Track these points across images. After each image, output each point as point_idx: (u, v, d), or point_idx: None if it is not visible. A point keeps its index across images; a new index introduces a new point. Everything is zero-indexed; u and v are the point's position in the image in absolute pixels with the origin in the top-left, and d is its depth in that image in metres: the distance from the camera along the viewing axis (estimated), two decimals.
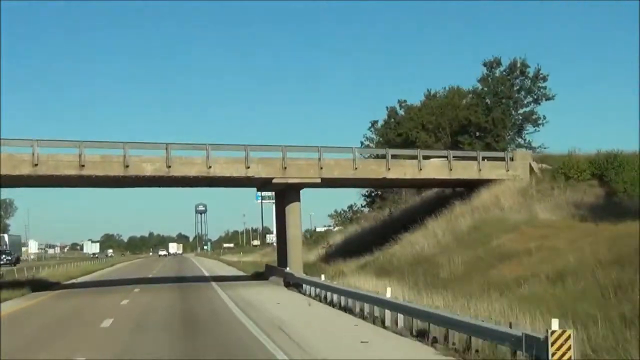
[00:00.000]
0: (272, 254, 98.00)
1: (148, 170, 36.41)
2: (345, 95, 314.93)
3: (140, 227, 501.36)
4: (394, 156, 42.78)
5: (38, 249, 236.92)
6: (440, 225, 38.36)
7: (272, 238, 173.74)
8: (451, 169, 42.74)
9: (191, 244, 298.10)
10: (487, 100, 63.36)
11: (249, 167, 38.38)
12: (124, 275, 58.47)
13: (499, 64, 64.35)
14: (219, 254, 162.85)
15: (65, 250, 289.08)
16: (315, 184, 40.73)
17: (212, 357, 15.40)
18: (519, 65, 62.93)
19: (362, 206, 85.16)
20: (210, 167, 37.54)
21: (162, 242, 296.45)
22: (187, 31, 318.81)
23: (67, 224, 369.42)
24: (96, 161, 35.57)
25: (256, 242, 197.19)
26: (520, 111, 63.94)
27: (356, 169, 40.66)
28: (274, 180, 39.44)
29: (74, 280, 51.69)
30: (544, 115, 62.79)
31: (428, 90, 73.10)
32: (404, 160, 43.43)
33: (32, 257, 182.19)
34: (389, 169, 41.30)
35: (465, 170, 43.52)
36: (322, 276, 31.98)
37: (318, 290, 30.03)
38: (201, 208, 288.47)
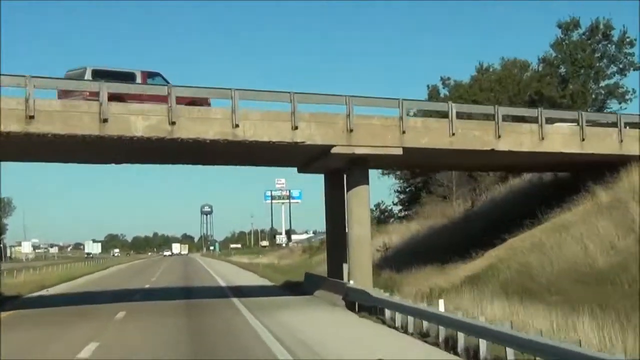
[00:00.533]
0: (291, 256, 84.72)
1: (139, 127, 22.53)
2: (377, 74, 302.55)
3: (144, 228, 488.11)
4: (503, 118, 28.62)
5: (40, 248, 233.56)
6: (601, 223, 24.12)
7: (282, 239, 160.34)
8: (583, 139, 28.87)
9: (196, 244, 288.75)
10: (563, 70, 52.18)
11: (296, 128, 24.53)
12: (114, 284, 44.66)
13: (577, 25, 52.65)
14: (227, 254, 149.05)
15: (69, 249, 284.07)
16: (394, 157, 26.87)
17: None
18: (601, 27, 51.68)
19: (393, 203, 70.98)
20: (237, 125, 23.67)
21: (167, 242, 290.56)
22: None
23: (71, 224, 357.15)
24: (53, 110, 21.64)
25: (264, 243, 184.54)
26: (603, 83, 52.62)
27: (453, 134, 26.82)
28: (335, 150, 25.48)
29: (43, 292, 37.69)
30: (632, 89, 51.95)
31: (480, 63, 59.82)
32: (519, 125, 29.40)
33: (31, 257, 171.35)
34: (499, 137, 27.37)
35: (602, 143, 29.58)
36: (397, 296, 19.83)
37: (412, 319, 17.54)
38: (207, 209, 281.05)
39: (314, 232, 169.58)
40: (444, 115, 27.64)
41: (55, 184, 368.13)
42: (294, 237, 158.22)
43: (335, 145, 25.35)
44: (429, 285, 25.48)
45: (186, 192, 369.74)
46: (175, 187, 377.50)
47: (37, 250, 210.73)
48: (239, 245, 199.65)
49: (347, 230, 27.54)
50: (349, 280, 26.38)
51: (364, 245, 26.98)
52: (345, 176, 27.91)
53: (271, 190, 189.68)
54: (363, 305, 23.56)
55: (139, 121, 22.46)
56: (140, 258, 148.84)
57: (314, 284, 32.93)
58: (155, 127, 22.63)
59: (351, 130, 25.39)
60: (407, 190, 66.21)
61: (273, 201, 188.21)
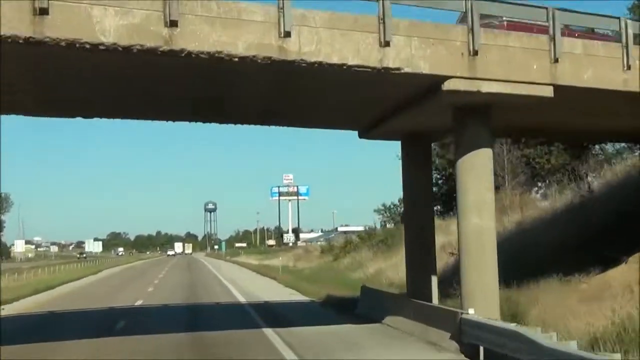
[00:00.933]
0: (307, 257, 73.26)
1: (108, 29, 11.82)
2: None
3: (147, 226, 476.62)
4: None
5: (42, 246, 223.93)
6: None
7: (289, 238, 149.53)
8: None
9: (200, 243, 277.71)
10: None
11: (387, 44, 13.87)
12: (99, 297, 33.88)
13: None
14: (233, 254, 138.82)
15: (71, 248, 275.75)
16: (540, 100, 16.02)
17: None
18: None
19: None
20: (287, 33, 13.00)
21: (170, 241, 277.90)
22: None
23: (74, 221, 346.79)
24: None
25: (271, 242, 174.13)
26: None
27: (629, 68, 16.19)
28: (449, 85, 14.75)
29: None
30: None
31: None
32: None
33: (30, 255, 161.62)
34: None
35: None
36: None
37: None
38: (210, 206, 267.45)
39: (322, 231, 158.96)
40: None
41: (58, 180, 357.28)
42: (301, 236, 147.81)
43: (450, 77, 14.67)
44: (608, 317, 14.84)
45: (189, 188, 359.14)
46: (178, 183, 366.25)
47: (38, 249, 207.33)
48: (244, 245, 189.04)
49: (458, 222, 16.75)
50: (465, 309, 15.74)
51: (487, 246, 16.28)
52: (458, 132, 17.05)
53: (278, 186, 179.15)
54: (496, 354, 13.18)
55: (110, 18, 11.76)
56: (142, 258, 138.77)
57: (378, 304, 22.30)
58: (139, 31, 11.96)
59: (475, 52, 14.72)
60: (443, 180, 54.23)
61: (280, 197, 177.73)
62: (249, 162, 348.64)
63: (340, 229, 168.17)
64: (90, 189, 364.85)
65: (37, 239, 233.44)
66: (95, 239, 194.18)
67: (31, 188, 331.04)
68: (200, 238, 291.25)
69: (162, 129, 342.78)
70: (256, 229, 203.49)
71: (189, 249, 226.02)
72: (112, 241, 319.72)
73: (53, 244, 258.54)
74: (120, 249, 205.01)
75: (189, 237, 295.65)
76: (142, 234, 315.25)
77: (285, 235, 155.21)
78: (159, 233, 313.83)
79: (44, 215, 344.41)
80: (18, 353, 16.23)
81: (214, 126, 18.75)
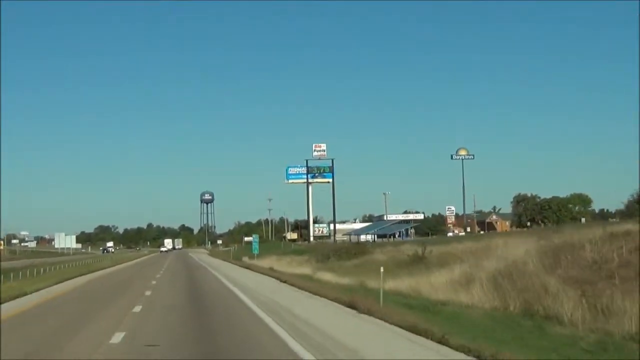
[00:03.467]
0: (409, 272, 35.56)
1: None
2: None
3: (139, 218, 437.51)
4: None
5: (26, 241, 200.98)
6: None
7: (322, 230, 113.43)
8: None
9: (196, 237, 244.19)
10: None
11: None
12: None
13: None
14: (245, 252, 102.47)
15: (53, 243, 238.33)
16: None
17: None
18: None
19: None
20: None
21: (163, 234, 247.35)
22: None
23: (60, 214, 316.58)
24: None
25: (292, 236, 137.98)
26: None
27: None
28: None
29: None
30: None
31: None
32: None
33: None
34: None
35: None
36: None
37: None
38: (207, 196, 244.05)
39: (365, 220, 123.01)
40: None
41: (46, 170, 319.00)
42: (354, 226, 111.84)
43: None
44: None
45: (184, 176, 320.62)
46: (171, 170, 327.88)
47: (22, 244, 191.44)
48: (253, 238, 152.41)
49: None
50: None
51: None
52: None
53: (297, 167, 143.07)
54: None
55: None
56: (126, 260, 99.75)
57: None
58: None
59: None
60: None
61: (295, 181, 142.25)
62: (252, 142, 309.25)
63: (390, 217, 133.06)
64: (78, 180, 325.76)
65: (24, 233, 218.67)
66: (66, 234, 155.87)
67: (19, 179, 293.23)
68: (196, 231, 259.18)
69: (153, 109, 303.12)
70: (268, 220, 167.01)
71: (179, 243, 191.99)
72: (99, 235, 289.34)
73: (37, 238, 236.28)
74: (110, 243, 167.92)
75: (184, 230, 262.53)
76: (133, 227, 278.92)
77: (317, 227, 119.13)
78: (150, 226, 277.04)
79: (34, 208, 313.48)
80: None
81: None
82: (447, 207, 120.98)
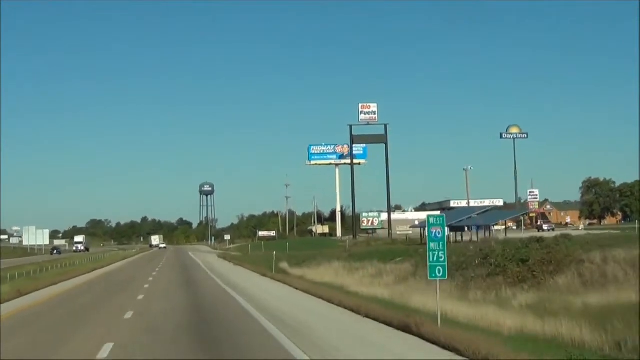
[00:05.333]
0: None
1: None
2: None
3: (135, 212, 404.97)
4: None
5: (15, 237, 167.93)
6: None
7: (373, 221, 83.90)
8: None
9: (196, 231, 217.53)
10: None
11: None
12: None
13: None
14: (244, 249, 71.40)
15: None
16: None
17: None
18: None
19: None
20: None
21: (159, 229, 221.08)
22: None
23: (51, 208, 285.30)
24: None
25: (319, 229, 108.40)
26: None
27: None
28: None
29: None
30: None
31: None
32: None
33: None
34: None
35: None
36: None
37: None
38: (207, 188, 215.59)
39: (443, 207, 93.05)
40: None
41: (39, 164, 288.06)
42: (412, 215, 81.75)
43: None
44: None
45: (181, 166, 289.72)
46: (168, 160, 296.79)
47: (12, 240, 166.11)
48: (270, 233, 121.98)
49: None
50: None
51: None
52: None
53: (322, 145, 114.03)
54: None
55: None
56: (102, 263, 64.51)
57: None
58: None
59: None
60: None
61: (317, 162, 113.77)
62: (254, 123, 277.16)
63: (456, 202, 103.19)
64: (68, 170, 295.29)
65: (16, 228, 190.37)
66: (37, 228, 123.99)
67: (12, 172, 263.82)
68: (195, 225, 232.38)
69: (147, 94, 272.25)
70: (285, 211, 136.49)
71: (161, 240, 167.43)
72: (90, 230, 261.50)
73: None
74: (79, 238, 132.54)
75: (182, 225, 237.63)
76: (128, 221, 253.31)
77: (365, 218, 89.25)
78: (145, 220, 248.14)
79: (29, 202, 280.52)
80: None
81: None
82: (528, 191, 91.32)
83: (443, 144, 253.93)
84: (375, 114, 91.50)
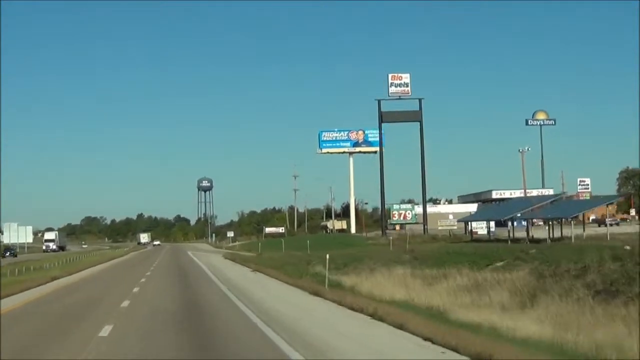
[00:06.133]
0: None
1: None
2: None
3: (131, 209, 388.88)
4: None
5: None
6: None
7: (406, 214, 70.86)
8: None
9: (194, 228, 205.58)
10: None
11: None
12: None
13: None
14: (250, 246, 57.86)
15: (38, 235, 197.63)
16: None
17: None
18: None
19: None
20: None
21: (156, 226, 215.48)
22: None
23: (45, 205, 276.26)
24: None
25: (338, 225, 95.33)
26: None
27: None
28: None
29: None
30: None
31: None
32: None
33: None
34: None
35: None
36: None
37: None
38: (205, 183, 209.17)
39: (480, 199, 79.37)
40: None
41: (25, 157, 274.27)
42: (446, 208, 68.55)
43: None
44: None
45: (178, 160, 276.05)
46: (164, 154, 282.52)
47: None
48: (279, 230, 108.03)
49: None
50: None
51: None
52: None
53: (334, 131, 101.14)
54: None
55: None
56: (73, 268, 46.76)
57: None
58: None
59: None
60: None
61: (329, 150, 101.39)
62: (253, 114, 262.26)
63: (494, 193, 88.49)
64: (62, 166, 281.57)
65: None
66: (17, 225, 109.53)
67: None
68: (193, 222, 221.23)
69: (141, 86, 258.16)
70: (293, 209, 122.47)
71: (147, 237, 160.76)
72: (84, 227, 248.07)
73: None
74: (49, 235, 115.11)
75: (180, 222, 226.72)
76: (125, 217, 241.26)
77: (395, 209, 76.60)
78: (140, 216, 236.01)
79: (26, 198, 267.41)
80: None
81: None
82: (579, 180, 77.82)
83: (466, 129, 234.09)
84: (407, 86, 77.50)
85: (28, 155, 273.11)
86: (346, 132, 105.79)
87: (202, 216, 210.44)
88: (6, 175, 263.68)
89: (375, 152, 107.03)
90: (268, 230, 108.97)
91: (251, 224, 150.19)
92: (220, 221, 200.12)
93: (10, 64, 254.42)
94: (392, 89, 76.90)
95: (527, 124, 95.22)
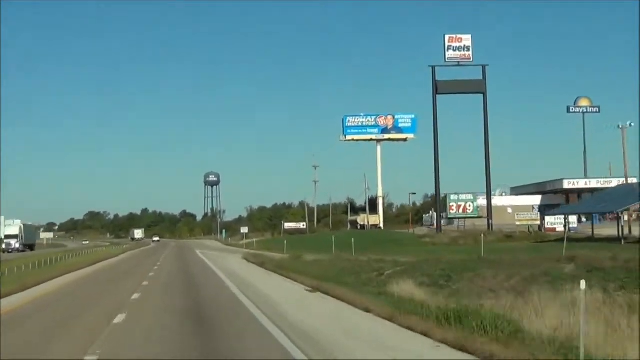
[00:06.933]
0: None
1: None
2: None
3: (136, 204, 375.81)
4: None
5: None
6: None
7: (465, 207, 56.66)
8: None
9: (201, 224, 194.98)
10: None
11: None
12: None
13: None
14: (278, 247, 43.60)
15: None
16: None
17: None
18: None
19: None
20: None
21: (161, 221, 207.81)
22: None
23: (51, 199, 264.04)
24: None
25: (372, 220, 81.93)
26: None
27: None
28: None
29: None
30: None
31: None
32: None
33: None
34: None
35: None
36: None
37: None
38: (212, 178, 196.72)
39: (545, 190, 65.33)
40: None
41: (28, 153, 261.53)
42: (502, 201, 55.47)
43: None
44: None
45: (184, 154, 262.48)
46: (170, 147, 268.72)
47: None
48: (300, 225, 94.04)
49: None
50: None
51: None
52: None
53: (360, 115, 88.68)
54: None
55: None
56: (33, 278, 32.88)
57: None
58: None
59: None
60: None
61: (354, 137, 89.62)
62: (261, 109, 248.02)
63: (566, 183, 72.71)
64: (66, 161, 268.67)
65: (15, 221, 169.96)
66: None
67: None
68: (199, 218, 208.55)
69: (149, 78, 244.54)
70: (314, 200, 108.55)
71: (143, 235, 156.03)
72: (86, 222, 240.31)
73: None
74: (13, 229, 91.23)
75: (186, 217, 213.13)
76: (130, 212, 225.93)
77: (452, 200, 62.84)
78: (145, 211, 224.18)
79: (29, 193, 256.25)
80: None
81: None
82: None
83: (513, 114, 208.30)
84: (469, 49, 63.25)
85: (30, 149, 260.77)
86: (373, 117, 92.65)
87: (210, 211, 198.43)
88: (7, 169, 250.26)
89: (406, 139, 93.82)
90: (287, 225, 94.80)
91: (263, 219, 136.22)
92: (228, 217, 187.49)
93: (11, 57, 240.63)
94: (450, 54, 62.43)
95: (568, 111, 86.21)
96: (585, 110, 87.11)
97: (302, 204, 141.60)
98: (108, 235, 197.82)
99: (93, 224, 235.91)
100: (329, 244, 42.84)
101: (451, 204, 63.64)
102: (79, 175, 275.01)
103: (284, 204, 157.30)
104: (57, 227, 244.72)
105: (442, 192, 63.52)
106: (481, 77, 61.54)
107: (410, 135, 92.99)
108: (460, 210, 63.49)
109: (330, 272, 27.21)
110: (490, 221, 57.78)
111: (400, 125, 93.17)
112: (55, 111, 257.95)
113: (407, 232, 63.60)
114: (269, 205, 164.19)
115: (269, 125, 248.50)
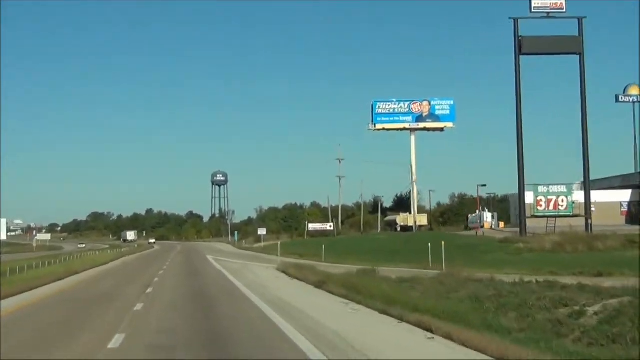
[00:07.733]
0: None
1: None
2: None
3: (141, 204, 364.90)
4: None
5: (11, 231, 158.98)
6: None
7: (564, 198, 42.77)
8: None
9: (208, 225, 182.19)
10: None
11: None
12: None
13: None
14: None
15: (43, 231, 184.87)
16: None
17: None
18: None
19: None
20: None
21: (166, 222, 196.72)
22: None
23: (53, 201, 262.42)
24: None
25: (420, 220, 68.24)
26: None
27: None
28: None
29: None
30: None
31: None
32: None
33: None
34: None
35: None
36: None
37: None
38: (220, 177, 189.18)
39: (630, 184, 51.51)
40: None
41: (30, 151, 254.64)
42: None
43: None
44: None
45: (191, 153, 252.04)
46: (176, 146, 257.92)
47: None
48: (326, 227, 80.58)
49: None
50: None
51: None
52: None
53: (392, 101, 76.04)
54: None
55: None
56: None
57: None
58: None
59: None
60: None
61: (385, 126, 77.01)
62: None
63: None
64: (70, 161, 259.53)
65: (17, 222, 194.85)
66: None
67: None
68: (206, 219, 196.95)
69: (155, 77, 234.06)
70: (339, 199, 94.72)
71: (136, 236, 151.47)
72: (89, 223, 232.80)
73: (24, 229, 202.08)
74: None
75: (192, 218, 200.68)
76: (135, 213, 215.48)
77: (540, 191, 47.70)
78: (150, 212, 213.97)
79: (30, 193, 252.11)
80: None
81: None
82: None
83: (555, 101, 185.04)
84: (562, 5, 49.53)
85: (33, 149, 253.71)
86: (407, 103, 79.71)
87: (218, 212, 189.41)
88: (9, 170, 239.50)
89: (443, 129, 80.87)
90: (312, 226, 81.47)
91: (277, 220, 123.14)
92: (237, 218, 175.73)
93: (13, 55, 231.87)
94: (536, 3, 48.69)
95: (617, 100, 76.65)
96: (635, 100, 76.21)
97: (313, 203, 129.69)
98: (110, 236, 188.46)
99: (96, 225, 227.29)
100: (370, 249, 30.67)
101: (539, 198, 49.51)
102: (83, 176, 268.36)
103: (296, 204, 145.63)
104: (59, 228, 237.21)
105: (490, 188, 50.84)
106: (577, 33, 48.01)
107: (449, 124, 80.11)
108: (551, 207, 49.50)
109: (455, 304, 14.48)
110: (590, 221, 44.46)
111: (437, 112, 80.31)
112: (58, 109, 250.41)
113: (473, 235, 50.18)
114: (279, 206, 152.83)
115: (279, 121, 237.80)
